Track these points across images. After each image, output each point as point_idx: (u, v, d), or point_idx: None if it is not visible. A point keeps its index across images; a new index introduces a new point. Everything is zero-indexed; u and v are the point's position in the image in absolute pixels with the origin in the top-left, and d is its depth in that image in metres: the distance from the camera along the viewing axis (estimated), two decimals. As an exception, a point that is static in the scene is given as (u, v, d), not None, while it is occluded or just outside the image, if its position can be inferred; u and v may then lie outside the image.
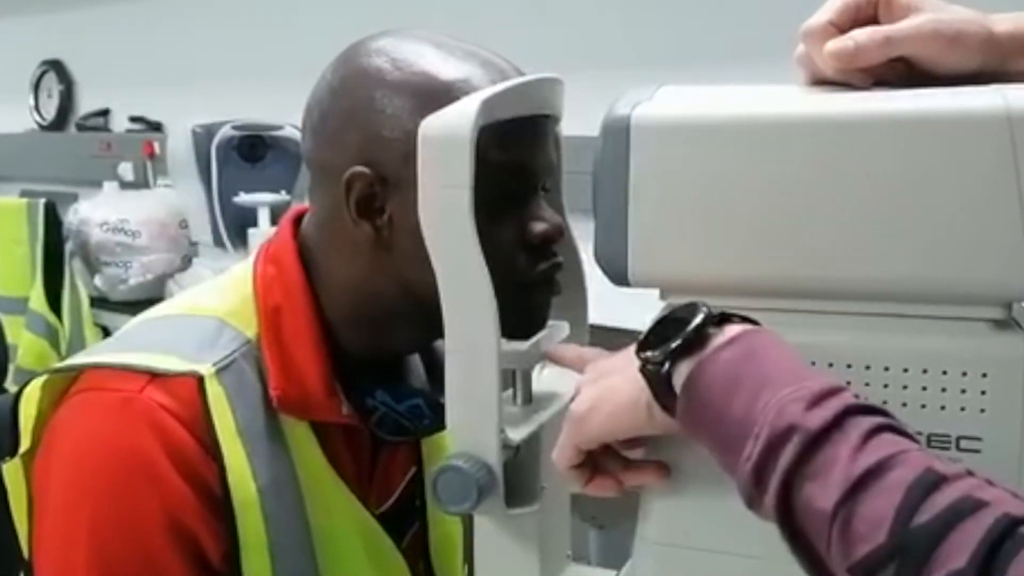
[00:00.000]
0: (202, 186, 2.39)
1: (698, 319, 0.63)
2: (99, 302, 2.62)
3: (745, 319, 0.66)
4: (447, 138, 0.73)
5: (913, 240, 0.66)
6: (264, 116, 2.44)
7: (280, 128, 2.38)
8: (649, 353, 0.65)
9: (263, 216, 2.32)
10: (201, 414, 0.79)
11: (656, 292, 0.73)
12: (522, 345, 0.79)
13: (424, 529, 0.97)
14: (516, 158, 0.80)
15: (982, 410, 0.65)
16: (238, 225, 2.34)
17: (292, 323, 0.84)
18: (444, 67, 0.80)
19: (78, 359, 0.86)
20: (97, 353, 0.86)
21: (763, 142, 0.67)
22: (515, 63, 0.84)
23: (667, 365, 0.63)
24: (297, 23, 2.76)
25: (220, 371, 0.81)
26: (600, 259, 0.72)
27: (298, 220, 0.90)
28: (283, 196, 2.37)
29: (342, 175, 0.80)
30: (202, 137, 2.36)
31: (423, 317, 0.81)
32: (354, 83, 0.81)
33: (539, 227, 0.81)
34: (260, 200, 2.32)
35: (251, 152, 2.41)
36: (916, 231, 0.66)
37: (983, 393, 0.65)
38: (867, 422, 0.57)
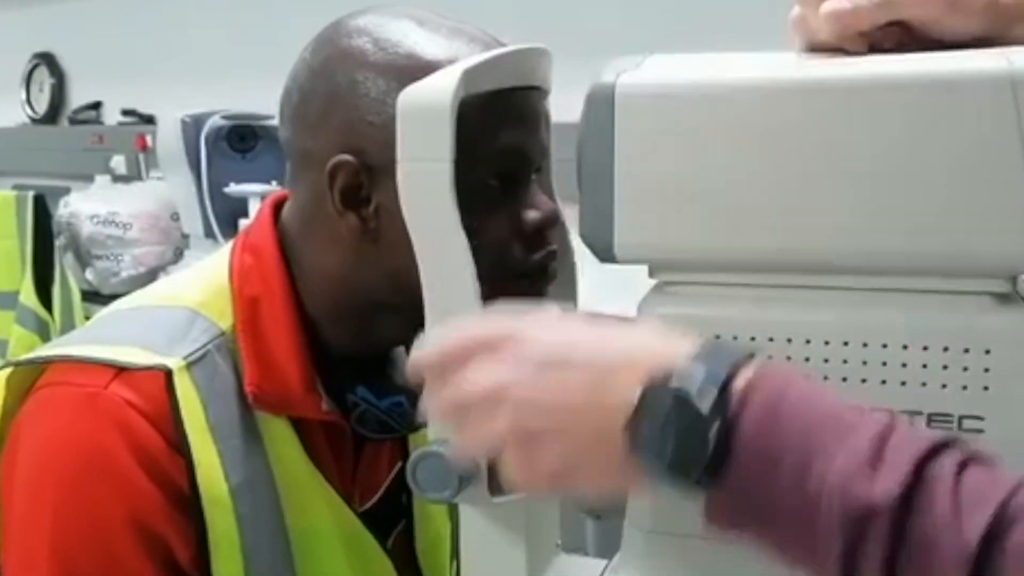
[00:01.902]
0: (192, 177, 2.35)
1: (707, 404, 0.51)
2: (90, 296, 2.60)
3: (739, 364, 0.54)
4: (427, 108, 0.70)
5: (913, 210, 0.63)
6: (256, 107, 2.41)
7: (271, 118, 2.35)
8: (650, 453, 0.53)
9: (254, 207, 2.29)
10: (168, 410, 0.76)
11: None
12: None
13: (410, 526, 0.94)
14: (513, 141, 0.76)
15: (985, 388, 0.63)
16: (229, 216, 2.32)
17: (270, 315, 0.81)
18: (429, 46, 0.76)
19: (44, 351, 0.83)
20: (64, 345, 0.83)
21: (755, 108, 0.64)
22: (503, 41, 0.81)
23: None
24: (290, 12, 2.73)
25: (191, 364, 0.78)
26: (585, 234, 0.69)
27: (278, 207, 0.86)
28: (274, 187, 2.34)
29: (324, 163, 0.77)
30: (191, 127, 2.33)
31: (410, 309, 0.78)
32: (335, 65, 0.78)
33: (534, 215, 0.77)
34: (251, 191, 2.29)
35: (241, 142, 2.38)
36: (916, 200, 0.63)
37: (986, 370, 0.63)
38: (943, 467, 0.49)
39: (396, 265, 0.76)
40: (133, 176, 3.11)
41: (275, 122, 2.46)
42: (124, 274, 2.59)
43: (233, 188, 2.30)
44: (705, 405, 0.52)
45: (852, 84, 0.63)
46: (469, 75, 0.71)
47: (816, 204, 0.64)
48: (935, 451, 0.50)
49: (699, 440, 0.52)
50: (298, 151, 0.81)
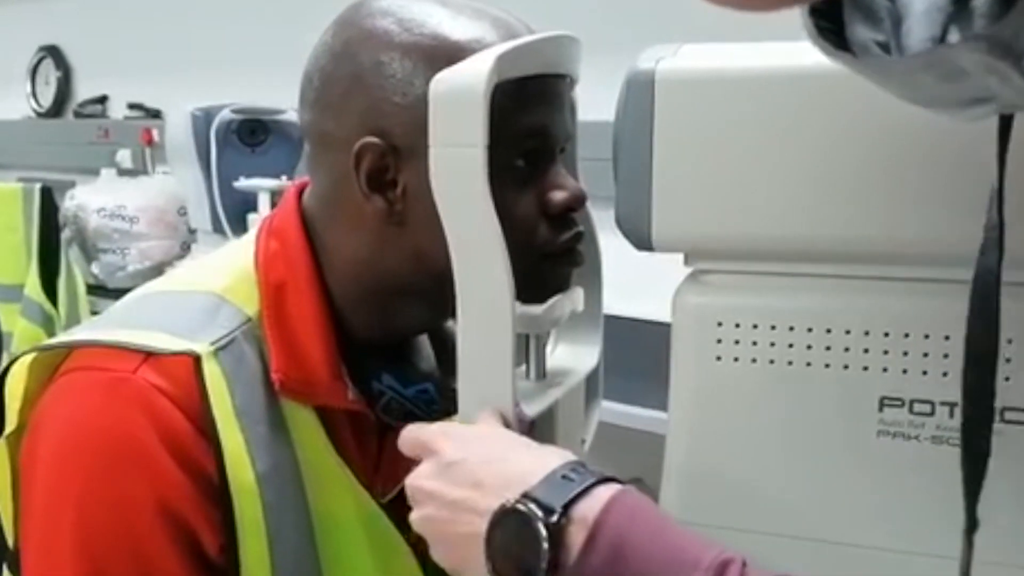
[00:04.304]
0: (201, 172, 2.34)
1: (543, 531, 0.59)
2: (96, 289, 2.58)
3: (596, 483, 0.61)
4: (461, 94, 0.69)
5: (954, 199, 0.62)
6: (267, 101, 2.39)
7: (281, 112, 2.33)
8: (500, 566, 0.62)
9: (263, 202, 2.27)
10: (198, 396, 0.75)
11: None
12: (536, 309, 0.75)
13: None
14: (538, 121, 0.75)
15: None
16: (238, 211, 2.30)
17: (296, 301, 0.80)
18: (455, 27, 0.75)
19: (67, 336, 0.81)
20: (88, 330, 0.81)
21: (796, 96, 0.64)
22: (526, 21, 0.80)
23: None
24: (300, 5, 2.72)
25: (218, 351, 0.77)
26: (622, 222, 0.69)
27: (302, 194, 0.85)
28: (284, 182, 2.32)
29: (348, 146, 0.75)
30: (201, 121, 2.31)
31: (436, 293, 0.77)
32: (359, 46, 0.77)
33: (560, 195, 0.77)
34: (260, 185, 2.27)
35: (251, 136, 2.36)
36: (956, 190, 0.62)
37: (1032, 361, 0.62)
38: None
39: (422, 248, 0.76)
40: (139, 170, 3.09)
41: (286, 116, 2.44)
42: (130, 268, 2.57)
43: (243, 182, 2.28)
44: (541, 534, 0.59)
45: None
46: (502, 61, 0.70)
47: (855, 193, 0.63)
48: None
49: (535, 560, 0.59)
50: (319, 134, 0.80)
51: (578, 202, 0.78)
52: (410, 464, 0.91)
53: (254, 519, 0.76)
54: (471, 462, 0.66)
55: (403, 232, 0.77)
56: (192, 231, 2.55)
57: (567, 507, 0.59)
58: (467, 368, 0.71)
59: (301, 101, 0.82)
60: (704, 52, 0.69)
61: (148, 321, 0.79)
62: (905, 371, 0.64)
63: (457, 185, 0.70)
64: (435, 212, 0.71)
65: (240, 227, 2.32)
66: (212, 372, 0.76)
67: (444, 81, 0.70)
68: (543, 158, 0.77)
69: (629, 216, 0.68)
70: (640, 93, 0.66)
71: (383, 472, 0.88)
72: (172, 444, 0.74)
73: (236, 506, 0.75)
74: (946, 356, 0.63)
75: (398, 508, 0.87)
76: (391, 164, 0.75)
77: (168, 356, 0.75)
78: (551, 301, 0.77)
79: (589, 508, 0.59)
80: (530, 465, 0.63)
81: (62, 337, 0.81)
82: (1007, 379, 0.62)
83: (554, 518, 0.59)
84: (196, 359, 0.75)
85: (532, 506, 0.60)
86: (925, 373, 0.63)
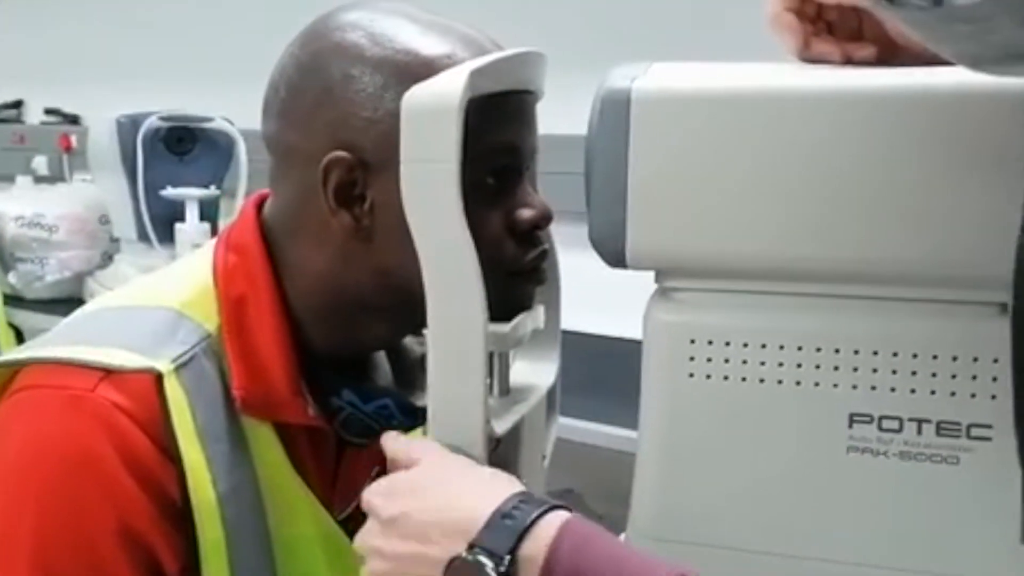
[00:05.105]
0: (126, 179, 2.28)
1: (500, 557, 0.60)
2: (13, 300, 2.49)
3: (541, 515, 0.62)
4: (434, 109, 0.69)
5: (921, 221, 0.64)
6: (193, 109, 2.35)
7: (210, 120, 2.29)
8: None
9: (191, 211, 2.23)
10: (159, 415, 0.73)
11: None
12: (504, 327, 0.75)
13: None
14: (508, 138, 0.76)
15: (993, 396, 0.64)
16: (165, 220, 2.25)
17: (257, 316, 0.79)
18: (426, 43, 0.75)
19: (20, 353, 0.78)
20: (41, 346, 0.79)
21: (772, 116, 0.65)
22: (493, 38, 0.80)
23: None
24: (220, 14, 2.68)
25: (179, 368, 0.75)
26: (596, 240, 0.69)
27: (261, 206, 0.84)
28: (212, 191, 2.28)
29: (316, 160, 0.74)
30: (127, 128, 2.25)
31: (400, 309, 0.77)
32: (328, 59, 0.76)
33: (528, 213, 0.77)
34: (188, 194, 2.23)
35: (178, 144, 2.31)
36: (924, 211, 0.64)
37: (994, 379, 0.64)
38: None
39: (387, 264, 0.75)
40: (56, 177, 3.00)
41: (215, 125, 2.40)
42: (49, 278, 2.49)
43: (170, 191, 2.23)
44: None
45: (870, 95, 0.64)
46: (476, 76, 0.70)
47: (831, 213, 0.64)
48: None
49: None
50: (285, 147, 0.79)
51: (545, 220, 0.78)
52: (364, 481, 0.91)
53: (215, 541, 0.74)
54: (412, 515, 0.66)
55: (369, 248, 0.76)
56: (115, 240, 2.48)
57: (513, 551, 0.61)
58: (438, 386, 0.70)
59: (265, 112, 0.81)
60: (676, 71, 0.69)
61: (105, 337, 0.76)
62: (874, 388, 0.65)
63: (429, 201, 0.69)
64: (402, 228, 0.70)
65: (167, 237, 2.27)
66: (174, 390, 0.74)
67: (417, 96, 0.70)
68: (511, 175, 0.77)
69: (603, 233, 0.68)
70: (615, 111, 0.66)
71: (340, 488, 0.87)
72: (133, 464, 0.72)
73: (198, 527, 0.74)
74: (914, 373, 0.64)
75: (355, 524, 0.86)
76: (359, 179, 0.74)
77: (128, 373, 0.73)
78: (517, 319, 0.77)
79: (537, 547, 0.61)
80: (470, 510, 0.64)
81: (13, 354, 0.78)
82: (973, 395, 0.64)
83: (503, 566, 0.60)
84: (158, 377, 0.73)
85: (481, 557, 0.61)
86: (893, 390, 0.65)
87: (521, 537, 0.61)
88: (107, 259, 2.50)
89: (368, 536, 0.69)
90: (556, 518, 0.62)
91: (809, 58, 0.73)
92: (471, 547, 0.62)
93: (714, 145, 0.65)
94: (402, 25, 0.76)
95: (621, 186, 0.67)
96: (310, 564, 0.82)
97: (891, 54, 0.72)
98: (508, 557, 0.60)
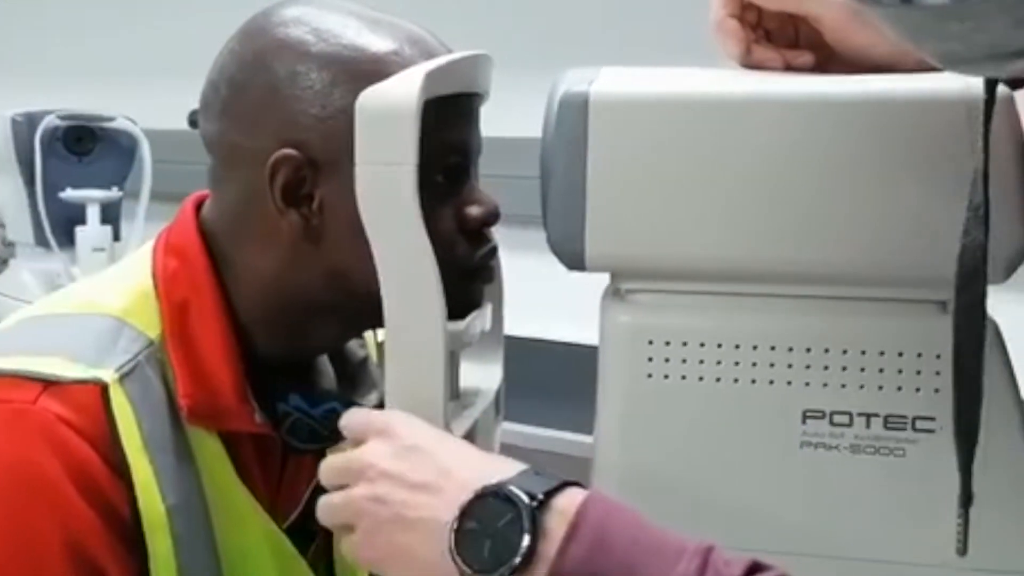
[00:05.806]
0: (22, 181, 2.19)
1: (526, 518, 0.58)
2: (-102, 307, 2.38)
3: (566, 484, 0.61)
4: (391, 112, 0.68)
5: (869, 222, 0.66)
6: (94, 108, 2.27)
7: (112, 119, 2.22)
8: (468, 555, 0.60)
9: (92, 213, 2.15)
10: (105, 427, 0.71)
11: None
12: (459, 325, 0.74)
13: (328, 540, 0.91)
14: (458, 138, 0.76)
15: (936, 390, 0.67)
16: (65, 223, 2.16)
17: (201, 321, 0.77)
18: (373, 39, 0.74)
19: None
20: None
21: (722, 120, 0.67)
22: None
23: None
24: (124, 7, 2.60)
25: (123, 377, 0.73)
26: (555, 242, 0.69)
27: (199, 208, 0.82)
28: (115, 192, 2.21)
29: (262, 159, 0.73)
30: (23, 126, 2.16)
31: (349, 311, 0.76)
32: (272, 56, 0.74)
33: (477, 210, 0.77)
34: (89, 196, 2.15)
35: (78, 144, 2.22)
36: (871, 213, 0.66)
37: (937, 374, 0.67)
38: None
39: (337, 265, 0.74)
40: (-59, 178, 2.87)
41: (116, 124, 2.32)
42: (-63, 284, 2.39)
43: (70, 193, 2.15)
44: (524, 521, 0.58)
45: (808, 100, 0.67)
46: (430, 79, 0.70)
47: (783, 215, 0.67)
48: (754, 570, 0.57)
49: (511, 548, 0.58)
50: (228, 146, 0.77)
51: (494, 217, 0.78)
52: (307, 487, 0.89)
53: (165, 555, 0.73)
54: (437, 450, 0.64)
55: (318, 249, 0.75)
56: (9, 244, 2.39)
57: (549, 495, 0.59)
58: (397, 388, 0.70)
59: (203, 111, 0.79)
60: (627, 75, 0.71)
61: (43, 346, 0.74)
62: (825, 384, 0.67)
63: (387, 204, 0.69)
64: (353, 227, 0.70)
65: (67, 240, 2.18)
66: (119, 401, 0.71)
67: (372, 98, 0.69)
68: (461, 174, 0.77)
69: (561, 235, 0.69)
70: (573, 114, 0.67)
71: (284, 495, 0.86)
72: (80, 479, 0.69)
73: (148, 541, 0.72)
74: (863, 370, 0.67)
75: (297, 531, 0.85)
76: (308, 178, 0.73)
77: (71, 384, 0.71)
78: (469, 317, 0.77)
79: (569, 501, 0.59)
80: (498, 462, 0.63)
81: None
82: (917, 390, 0.67)
83: (536, 504, 0.58)
84: (103, 388, 0.71)
85: (515, 489, 0.59)
86: (844, 386, 0.67)
87: (555, 489, 0.60)
88: (2, 264, 2.40)
89: (378, 456, 0.65)
90: (582, 489, 0.61)
91: (750, 64, 0.75)
92: (502, 483, 0.60)
93: (669, 148, 0.67)
94: (347, 21, 0.76)
95: (579, 189, 0.67)
96: (260, 573, 0.81)
97: (827, 61, 0.75)
98: (541, 500, 0.59)
